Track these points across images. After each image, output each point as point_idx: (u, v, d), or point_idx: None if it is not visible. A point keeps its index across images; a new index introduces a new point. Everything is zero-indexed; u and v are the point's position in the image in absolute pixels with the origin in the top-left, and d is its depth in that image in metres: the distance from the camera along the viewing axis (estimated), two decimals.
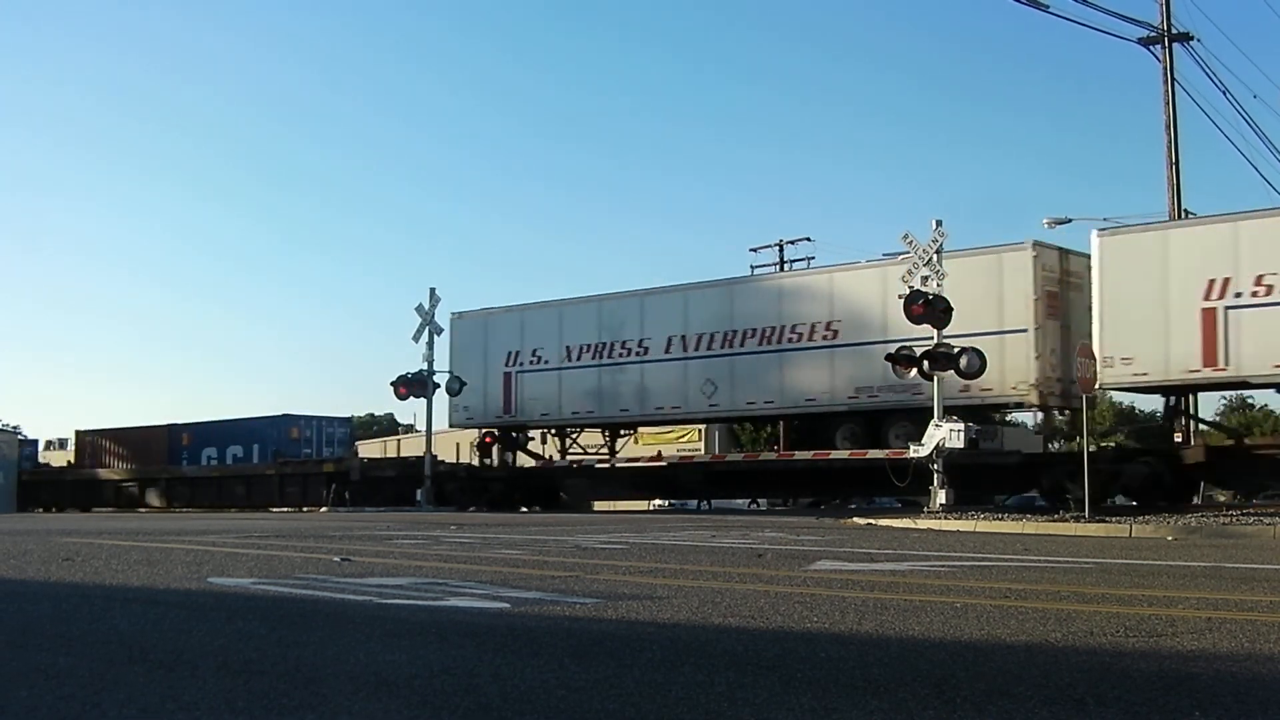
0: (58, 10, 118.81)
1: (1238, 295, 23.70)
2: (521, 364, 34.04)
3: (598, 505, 36.68)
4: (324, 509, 36.96)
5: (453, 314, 35.94)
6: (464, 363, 34.91)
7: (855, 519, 21.97)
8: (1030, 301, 25.94)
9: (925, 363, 23.54)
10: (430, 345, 34.33)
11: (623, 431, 35.06)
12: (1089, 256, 25.68)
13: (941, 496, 23.40)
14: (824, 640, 5.53)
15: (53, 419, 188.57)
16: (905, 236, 24.13)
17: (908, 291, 23.53)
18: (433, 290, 34.31)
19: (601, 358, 32.66)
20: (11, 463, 44.17)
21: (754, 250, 46.78)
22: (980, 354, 23.74)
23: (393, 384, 34.56)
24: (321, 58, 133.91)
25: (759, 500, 37.36)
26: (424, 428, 36.94)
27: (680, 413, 32.34)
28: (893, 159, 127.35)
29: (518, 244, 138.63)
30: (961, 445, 23.53)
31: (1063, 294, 26.65)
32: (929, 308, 23.22)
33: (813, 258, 45.40)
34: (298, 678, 4.52)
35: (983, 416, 27.14)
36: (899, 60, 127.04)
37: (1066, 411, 28.89)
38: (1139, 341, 24.58)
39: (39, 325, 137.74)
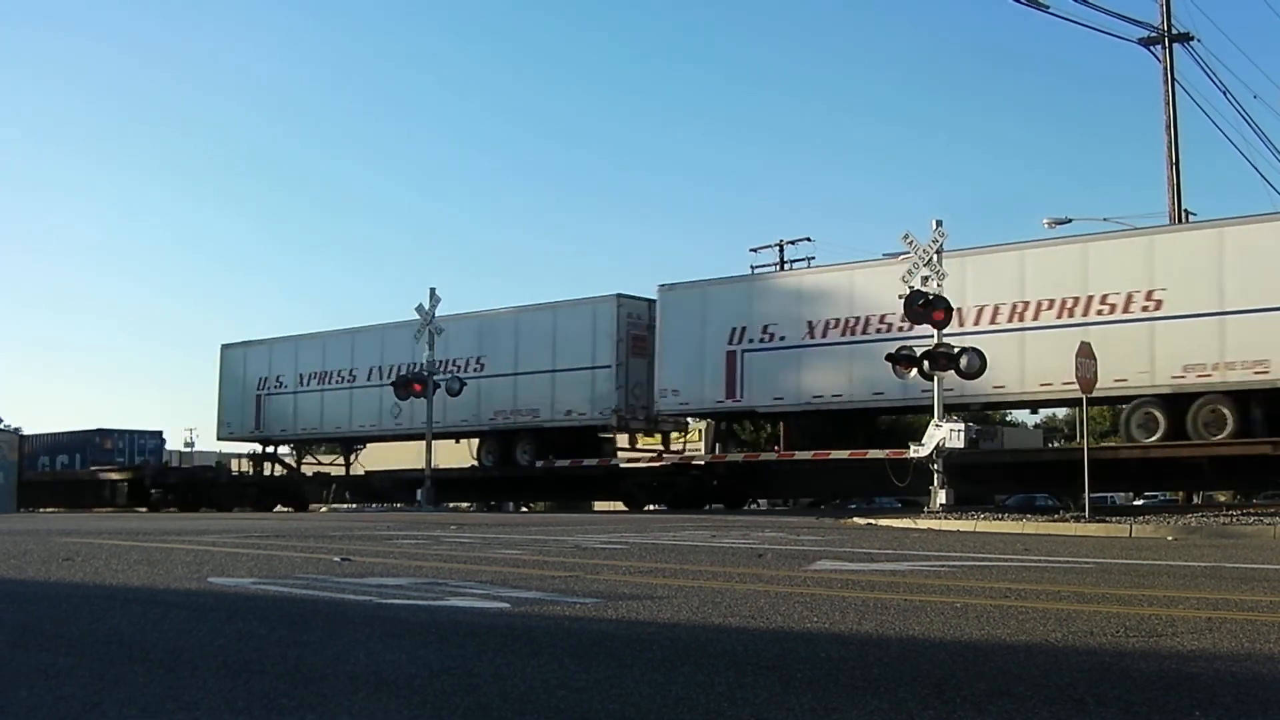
0: (58, 10, 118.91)
1: (750, 341, 29.49)
2: (268, 388, 40.45)
3: (599, 505, 36.91)
4: (324, 509, 37.01)
5: (222, 345, 42.82)
6: (229, 389, 41.82)
7: (855, 519, 21.97)
8: (614, 343, 31.95)
9: (925, 363, 23.54)
10: (430, 345, 34.43)
11: (356, 445, 40.87)
12: None
13: (941, 496, 23.40)
14: (824, 640, 5.53)
15: (53, 418, 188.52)
16: (905, 236, 24.13)
17: (908, 291, 23.53)
18: (433, 290, 34.56)
19: (325, 384, 39.03)
20: (11, 463, 44.24)
21: (754, 250, 46.85)
22: (980, 354, 23.75)
23: (393, 384, 34.67)
24: (319, 60, 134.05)
25: (759, 500, 37.39)
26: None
27: (376, 430, 38.01)
28: (893, 159, 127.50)
29: (516, 245, 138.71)
30: (962, 445, 23.54)
31: (650, 337, 31.86)
32: (929, 308, 23.22)
33: (813, 257, 45.48)
34: (298, 678, 4.52)
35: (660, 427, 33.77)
36: (899, 60, 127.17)
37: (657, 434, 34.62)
38: (684, 377, 30.56)
39: (38, 325, 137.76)
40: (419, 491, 34.78)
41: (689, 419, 33.36)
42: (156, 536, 16.05)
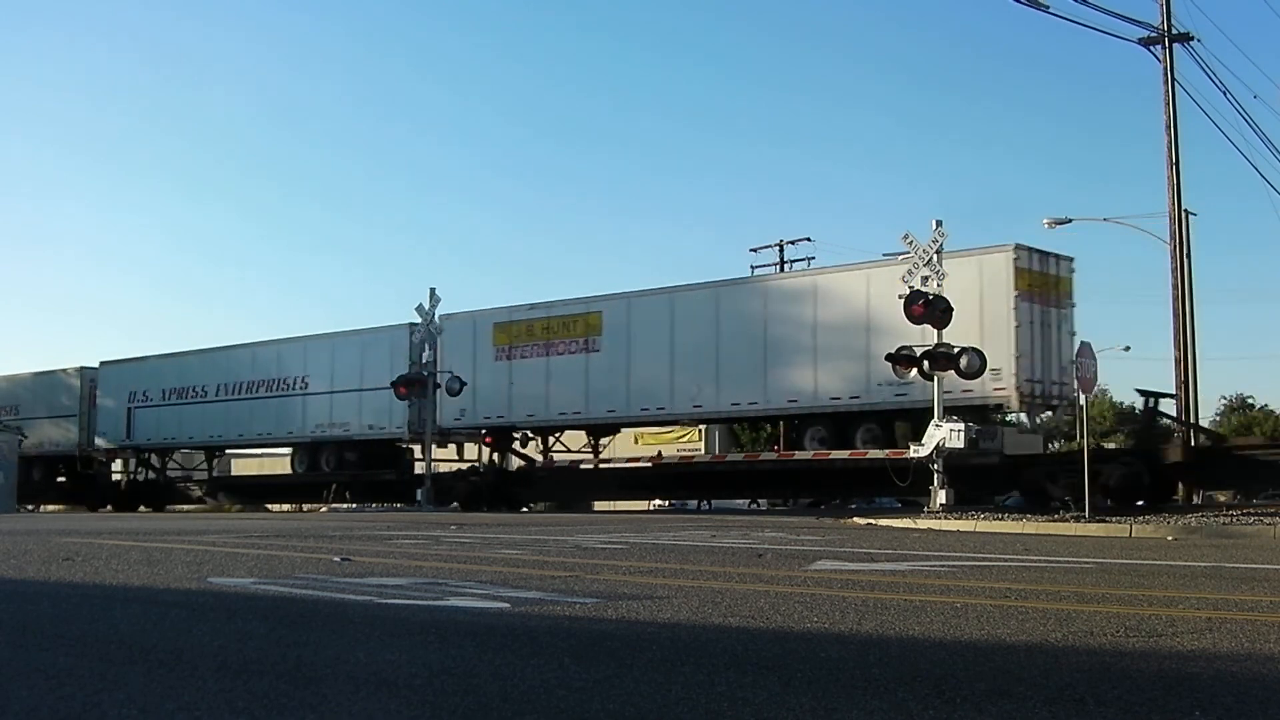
0: (58, 10, 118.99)
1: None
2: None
3: (598, 505, 37.02)
4: (324, 508, 37.09)
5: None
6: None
7: (855, 519, 21.98)
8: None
9: (925, 363, 23.55)
10: (431, 345, 34.57)
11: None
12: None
13: (941, 496, 23.41)
14: (824, 640, 5.53)
15: None
16: (905, 236, 24.14)
17: (908, 291, 23.54)
18: (433, 290, 34.79)
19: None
20: (11, 463, 44.30)
21: (754, 250, 46.89)
22: (980, 353, 23.76)
23: (393, 384, 34.74)
24: (319, 59, 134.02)
25: (759, 500, 37.44)
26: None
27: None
28: (893, 159, 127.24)
29: (516, 245, 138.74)
30: (962, 445, 23.55)
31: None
32: (929, 308, 23.22)
33: (813, 257, 45.55)
34: (298, 678, 4.52)
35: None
36: (899, 60, 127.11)
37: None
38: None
39: (38, 324, 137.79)
40: (419, 491, 34.89)
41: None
42: (156, 536, 16.05)
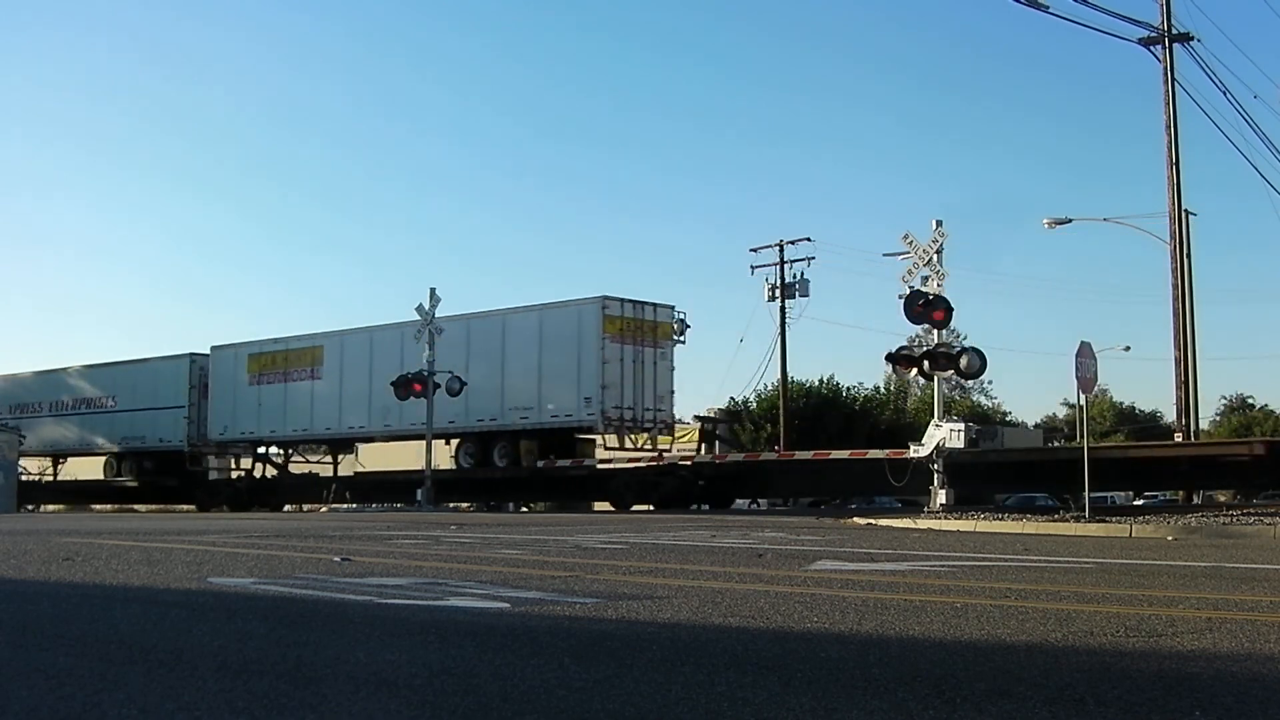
0: (58, 10, 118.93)
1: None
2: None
3: (598, 505, 37.12)
4: (324, 509, 37.10)
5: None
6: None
7: (855, 519, 21.97)
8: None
9: (925, 363, 23.55)
10: (431, 345, 34.58)
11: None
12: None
13: (941, 496, 23.40)
14: (824, 640, 5.53)
15: None
16: (905, 237, 24.14)
17: (908, 292, 23.54)
18: (433, 290, 34.83)
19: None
20: (11, 463, 44.29)
21: (754, 250, 46.86)
22: (980, 353, 23.77)
23: (393, 384, 34.76)
24: (319, 59, 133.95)
25: (759, 500, 37.48)
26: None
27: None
28: (894, 159, 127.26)
29: (516, 244, 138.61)
30: (962, 445, 23.56)
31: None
32: (929, 308, 23.22)
33: (813, 257, 45.56)
34: (298, 678, 4.52)
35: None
36: (899, 60, 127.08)
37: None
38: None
39: (37, 324, 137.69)
40: (419, 491, 34.92)
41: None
42: (156, 536, 16.05)
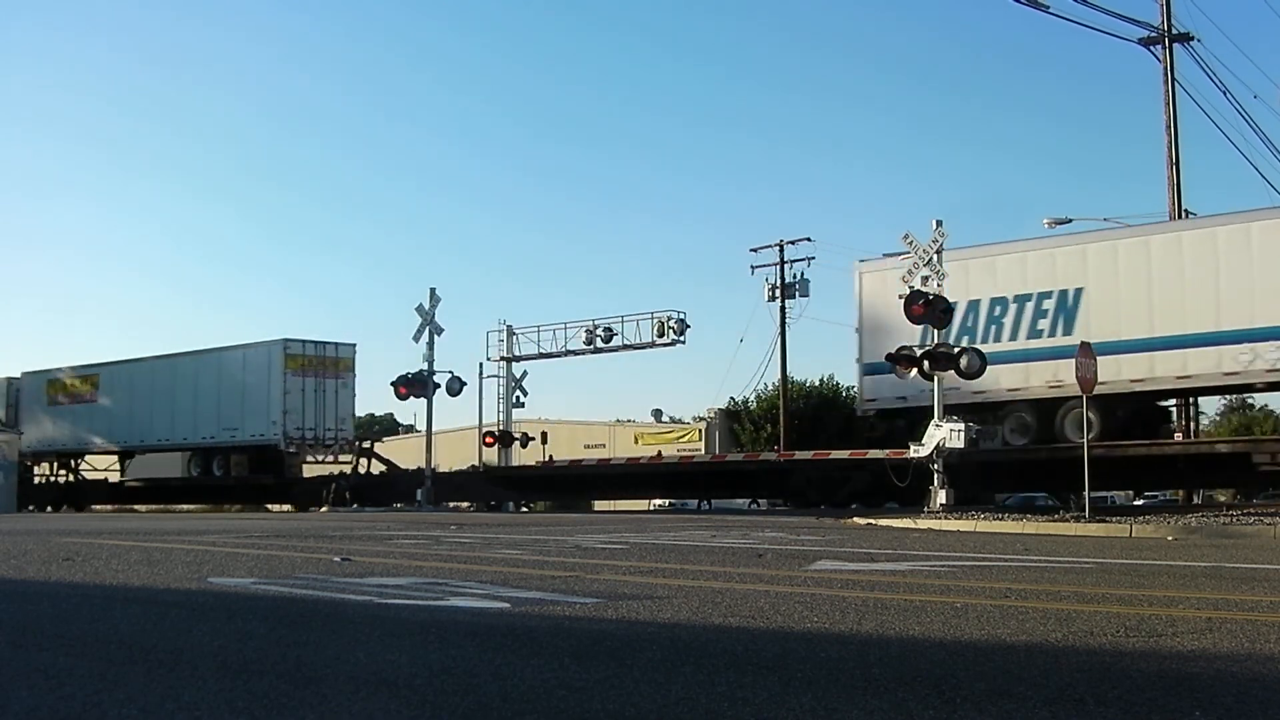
0: (59, 10, 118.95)
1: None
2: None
3: (599, 505, 37.16)
4: (324, 509, 37.10)
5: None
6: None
7: (855, 519, 21.95)
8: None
9: (925, 363, 23.54)
10: (431, 345, 34.64)
11: None
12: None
13: (941, 496, 23.40)
14: (824, 640, 5.53)
15: None
16: (905, 237, 24.14)
17: (908, 291, 23.54)
18: (433, 290, 34.88)
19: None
20: (11, 463, 44.25)
21: (754, 250, 46.80)
22: (980, 353, 23.77)
23: (393, 384, 34.83)
24: (319, 59, 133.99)
25: (759, 500, 37.45)
26: (424, 428, 37.49)
27: None
28: (894, 158, 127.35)
29: (516, 244, 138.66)
30: (962, 445, 23.55)
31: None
32: (929, 308, 23.21)
33: (813, 257, 45.53)
34: (298, 678, 4.52)
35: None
36: (900, 59, 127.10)
37: None
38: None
39: (37, 324, 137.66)
40: (419, 491, 34.95)
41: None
42: (156, 536, 16.05)
